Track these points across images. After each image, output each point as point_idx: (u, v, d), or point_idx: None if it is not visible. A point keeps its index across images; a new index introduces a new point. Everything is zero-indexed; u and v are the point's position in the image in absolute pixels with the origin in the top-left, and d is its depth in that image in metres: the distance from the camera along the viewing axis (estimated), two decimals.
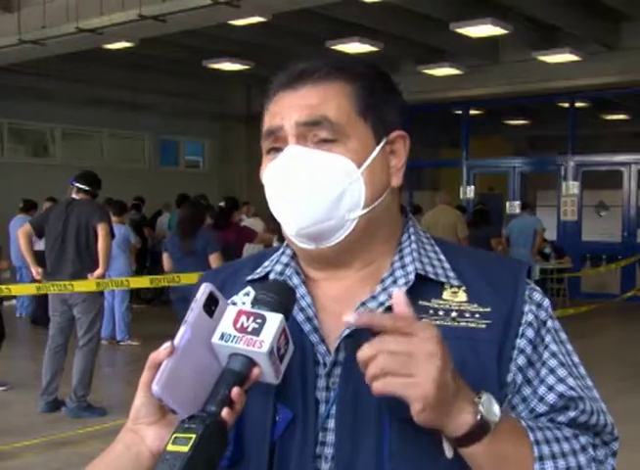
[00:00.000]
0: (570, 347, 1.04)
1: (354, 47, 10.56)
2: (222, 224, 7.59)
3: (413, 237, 1.05)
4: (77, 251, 5.82)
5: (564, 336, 1.04)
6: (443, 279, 1.01)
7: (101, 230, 5.83)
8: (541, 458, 0.92)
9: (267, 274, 1.07)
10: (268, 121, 1.02)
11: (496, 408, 0.88)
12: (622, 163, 13.49)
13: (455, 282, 1.01)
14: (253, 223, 11.28)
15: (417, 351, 0.82)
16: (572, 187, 13.59)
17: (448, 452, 0.89)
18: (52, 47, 9.72)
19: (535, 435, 0.93)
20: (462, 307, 0.99)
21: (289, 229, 1.01)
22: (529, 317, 1.00)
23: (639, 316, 11.16)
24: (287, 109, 1.00)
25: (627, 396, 6.16)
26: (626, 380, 6.86)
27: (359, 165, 0.99)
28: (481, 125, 16.11)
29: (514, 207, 14.37)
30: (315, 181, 0.97)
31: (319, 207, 0.97)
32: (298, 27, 10.96)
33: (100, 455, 0.95)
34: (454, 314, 0.98)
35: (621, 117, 16.23)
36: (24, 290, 7.16)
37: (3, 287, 5.99)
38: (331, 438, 0.95)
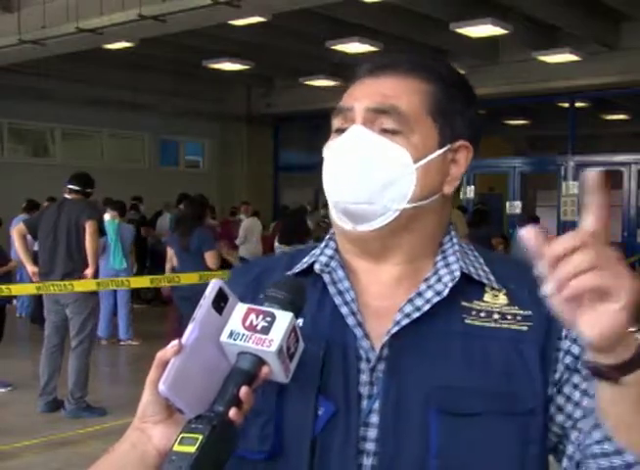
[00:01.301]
0: None
1: (354, 47, 10.56)
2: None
3: (455, 240, 1.07)
4: (68, 250, 5.80)
5: None
6: (485, 281, 1.03)
7: (88, 228, 5.79)
8: None
9: (311, 265, 1.07)
10: (342, 101, 1.06)
11: None
12: (622, 163, 13.49)
13: (496, 285, 1.03)
14: (252, 223, 11.30)
15: (616, 286, 0.78)
16: (572, 187, 13.59)
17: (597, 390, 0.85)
18: (52, 47, 9.72)
19: None
20: (503, 310, 1.01)
21: (333, 204, 1.03)
22: None
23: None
24: (362, 93, 1.04)
25: None
26: None
27: (415, 161, 1.01)
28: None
29: (514, 207, 14.38)
30: (370, 164, 0.99)
31: (364, 188, 0.99)
32: (298, 27, 10.95)
33: (106, 453, 0.95)
34: (496, 316, 1.00)
35: (621, 117, 16.23)
36: (24, 290, 7.17)
37: (3, 287, 5.99)
38: (373, 433, 0.95)
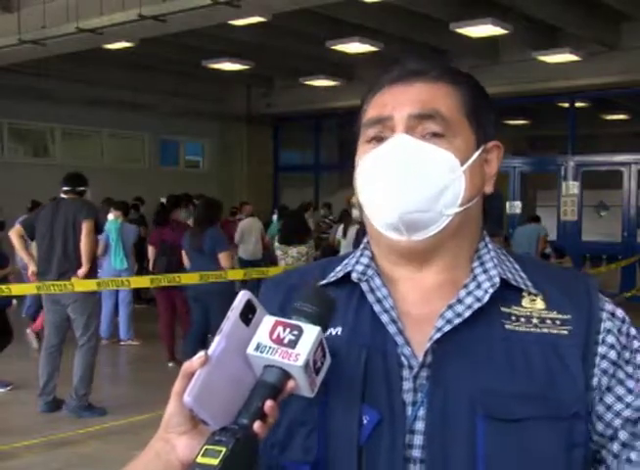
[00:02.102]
0: None
1: (354, 47, 10.56)
2: (160, 221, 7.64)
3: (490, 246, 1.08)
4: (65, 249, 5.80)
5: None
6: (523, 286, 1.03)
7: (84, 228, 5.78)
8: None
9: (345, 276, 1.06)
10: (376, 111, 1.04)
11: None
12: (622, 163, 13.49)
13: (533, 290, 1.03)
14: (251, 223, 11.30)
15: None
16: (572, 187, 13.58)
17: None
18: (52, 47, 9.72)
19: None
20: (542, 315, 1.01)
21: (387, 215, 1.01)
22: (607, 325, 1.02)
23: (639, 316, 11.15)
24: (399, 100, 1.03)
25: None
26: None
27: (462, 164, 1.02)
28: None
29: (514, 207, 14.38)
30: (422, 171, 0.99)
31: (422, 196, 0.99)
32: (298, 27, 10.95)
33: (131, 461, 0.95)
34: (535, 321, 1.00)
35: (621, 117, 16.22)
36: (24, 290, 7.15)
37: (3, 287, 5.98)
38: (419, 440, 0.95)
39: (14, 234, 6.05)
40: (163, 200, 8.48)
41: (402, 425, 0.95)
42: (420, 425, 0.95)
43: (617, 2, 10.21)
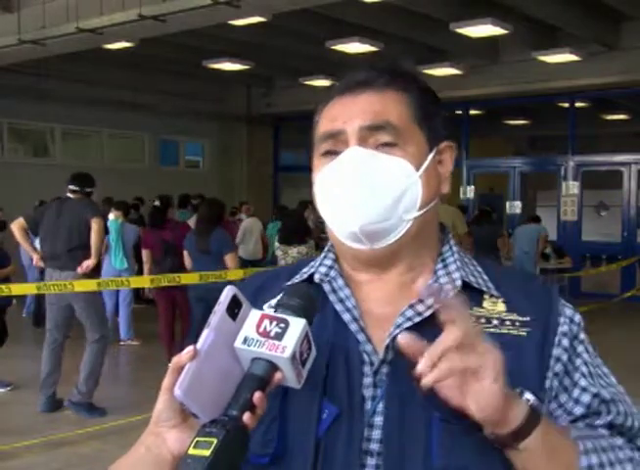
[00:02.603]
0: (599, 359, 1.10)
1: (354, 47, 10.56)
2: (159, 223, 7.62)
3: (454, 248, 1.11)
4: (70, 247, 5.81)
5: (591, 350, 1.09)
6: (484, 288, 1.06)
7: (94, 224, 5.81)
8: (587, 452, 0.95)
9: (311, 276, 1.09)
10: (327, 125, 1.06)
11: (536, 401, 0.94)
12: (622, 163, 13.49)
13: (495, 292, 1.06)
14: (252, 223, 11.30)
15: (482, 364, 0.86)
16: (572, 187, 13.59)
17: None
18: (52, 47, 9.72)
19: (576, 432, 0.98)
20: (502, 316, 1.04)
21: (348, 228, 1.03)
22: (564, 328, 1.05)
23: (639, 316, 11.16)
24: (349, 113, 1.04)
25: (627, 395, 6.15)
26: (627, 380, 6.86)
27: (417, 169, 1.04)
28: (481, 125, 16.11)
29: (514, 207, 14.38)
30: (378, 181, 1.01)
31: (381, 206, 1.01)
32: (298, 27, 10.95)
33: (122, 457, 0.97)
34: (495, 322, 1.03)
35: (621, 117, 16.23)
36: (25, 290, 7.16)
37: (3, 287, 5.98)
38: (377, 434, 0.97)
39: (16, 226, 6.06)
40: (157, 202, 8.44)
41: (361, 419, 0.97)
42: (378, 419, 0.97)
43: (617, 2, 10.22)
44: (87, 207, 5.94)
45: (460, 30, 9.85)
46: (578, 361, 1.04)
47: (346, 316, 1.02)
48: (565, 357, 1.03)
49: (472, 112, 15.12)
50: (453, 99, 13.67)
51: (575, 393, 1.03)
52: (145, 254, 7.64)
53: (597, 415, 1.02)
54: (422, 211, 1.04)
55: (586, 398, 1.02)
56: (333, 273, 1.08)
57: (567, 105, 13.86)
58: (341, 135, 1.03)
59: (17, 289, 6.47)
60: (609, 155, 13.87)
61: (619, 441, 1.01)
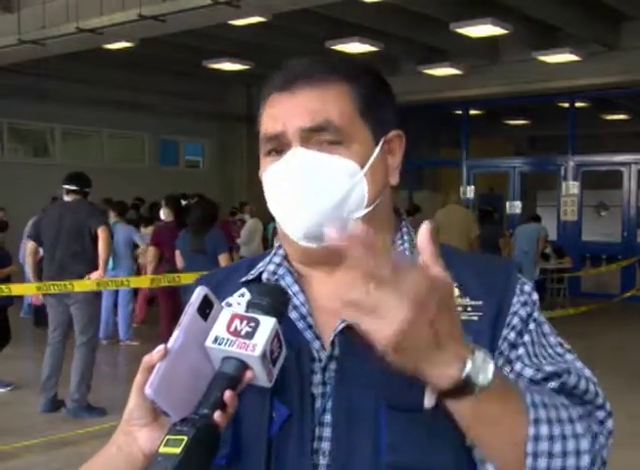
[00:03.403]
0: (550, 333, 1.03)
1: (354, 47, 10.56)
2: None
3: (406, 237, 1.07)
4: (73, 255, 5.81)
5: (547, 328, 1.03)
6: None
7: (102, 233, 5.81)
8: (536, 421, 0.88)
9: (260, 275, 1.08)
10: (268, 126, 1.02)
11: (489, 370, 0.83)
12: (622, 163, 13.50)
13: None
14: (255, 224, 11.30)
15: (403, 290, 0.75)
16: (572, 187, 13.59)
17: (428, 401, 0.86)
18: (52, 47, 9.72)
19: (532, 397, 0.90)
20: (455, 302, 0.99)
21: (294, 231, 1.01)
22: (516, 307, 1.01)
23: (639, 316, 11.16)
24: (287, 113, 1.00)
25: (627, 395, 6.15)
26: (626, 380, 6.86)
27: (362, 166, 1.00)
28: (481, 125, 16.11)
29: (514, 207, 14.39)
30: (321, 183, 0.98)
31: (325, 207, 0.98)
32: (298, 27, 10.95)
33: (93, 457, 0.97)
34: None
35: (621, 117, 16.23)
36: (24, 290, 7.15)
37: (3, 287, 5.98)
38: (328, 432, 0.96)
39: (29, 253, 6.10)
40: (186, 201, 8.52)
41: (311, 418, 0.96)
42: (328, 417, 0.96)
43: (616, 2, 10.22)
44: (91, 214, 5.91)
45: (460, 30, 9.86)
46: (526, 337, 1.00)
47: (294, 314, 1.01)
48: (512, 336, 0.99)
49: (472, 112, 15.13)
50: (453, 99, 13.70)
51: (517, 366, 0.98)
52: (150, 251, 7.66)
53: (546, 381, 0.96)
54: (369, 209, 1.01)
55: (529, 371, 0.97)
56: (281, 271, 1.07)
57: (567, 105, 13.87)
58: (282, 137, 1.00)
59: (17, 289, 6.47)
60: (609, 155, 13.87)
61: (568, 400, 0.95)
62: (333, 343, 0.98)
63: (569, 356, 1.01)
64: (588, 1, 10.25)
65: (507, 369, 0.98)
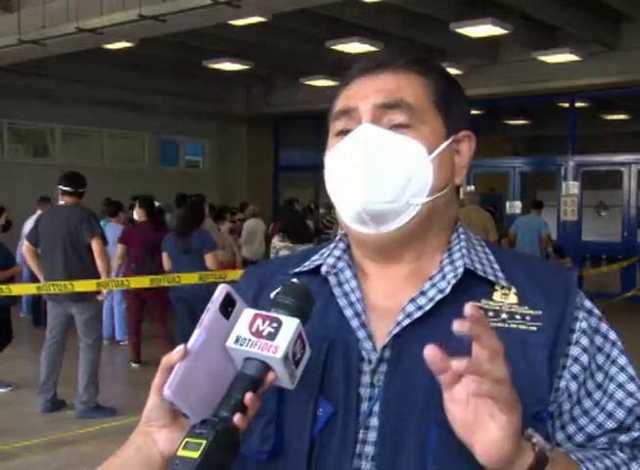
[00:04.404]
0: (624, 358, 1.02)
1: (354, 47, 10.55)
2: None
3: (463, 236, 1.05)
4: (67, 264, 5.79)
5: (621, 346, 1.02)
6: (492, 278, 0.99)
7: (95, 246, 5.77)
8: None
9: (318, 267, 1.05)
10: (342, 103, 1.03)
11: (542, 439, 0.86)
12: (622, 163, 13.49)
13: (504, 282, 0.99)
14: (255, 224, 11.29)
15: (500, 398, 0.79)
16: (572, 187, 13.59)
17: None
18: (52, 47, 9.72)
19: (587, 466, 0.91)
20: (512, 309, 0.97)
21: (353, 207, 0.98)
22: (583, 324, 0.98)
23: (639, 316, 11.15)
24: (364, 91, 1.01)
25: None
26: None
27: (430, 153, 0.99)
28: (481, 125, 16.11)
29: (514, 207, 14.38)
30: (387, 161, 0.96)
31: (388, 187, 0.96)
32: (298, 27, 10.95)
33: (112, 456, 0.95)
34: (504, 316, 0.97)
35: (622, 117, 16.24)
36: (24, 290, 7.16)
37: (3, 287, 5.98)
38: (372, 436, 0.93)
39: (26, 252, 6.07)
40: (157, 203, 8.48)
41: (355, 420, 0.94)
42: (375, 421, 0.93)
43: (616, 2, 10.21)
44: (81, 221, 5.78)
45: (460, 30, 9.85)
46: (613, 369, 0.98)
47: (348, 311, 0.98)
48: (584, 358, 0.96)
49: (472, 112, 15.07)
50: None
51: (610, 406, 0.96)
52: (119, 249, 7.67)
53: (622, 431, 0.97)
54: (431, 198, 0.99)
55: (621, 413, 0.96)
56: (341, 264, 1.04)
57: (567, 105, 13.87)
58: (353, 112, 1.00)
59: (17, 289, 6.48)
60: (609, 155, 13.87)
61: (628, 456, 0.95)
62: (385, 345, 0.95)
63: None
64: (588, 1, 10.25)
65: (588, 403, 0.97)
